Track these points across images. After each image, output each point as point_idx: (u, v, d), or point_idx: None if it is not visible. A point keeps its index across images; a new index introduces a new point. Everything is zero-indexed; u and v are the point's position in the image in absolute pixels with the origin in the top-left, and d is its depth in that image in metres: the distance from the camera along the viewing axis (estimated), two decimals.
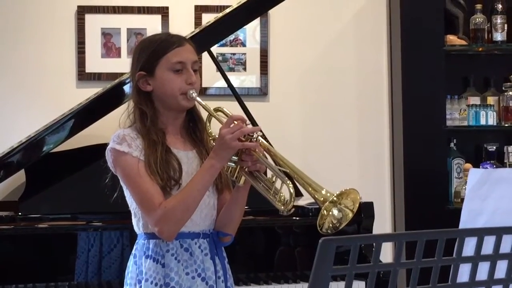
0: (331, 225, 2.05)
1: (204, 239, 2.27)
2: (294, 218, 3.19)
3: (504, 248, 1.35)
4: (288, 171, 2.13)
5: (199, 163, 2.28)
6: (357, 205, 2.06)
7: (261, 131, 2.25)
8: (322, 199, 2.03)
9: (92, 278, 3.01)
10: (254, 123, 3.30)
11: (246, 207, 2.34)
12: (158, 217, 2.16)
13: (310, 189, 2.07)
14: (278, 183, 2.18)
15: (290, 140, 4.04)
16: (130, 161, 2.20)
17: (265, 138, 2.30)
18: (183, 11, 4.00)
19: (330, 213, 2.05)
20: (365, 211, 3.24)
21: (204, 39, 3.27)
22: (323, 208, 2.02)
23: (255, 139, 2.18)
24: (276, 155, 2.17)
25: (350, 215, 2.06)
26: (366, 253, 3.07)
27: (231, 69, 4.04)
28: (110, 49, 3.95)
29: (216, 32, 3.43)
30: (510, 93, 4.11)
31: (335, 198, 2.03)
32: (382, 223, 4.04)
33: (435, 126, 4.01)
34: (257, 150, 2.17)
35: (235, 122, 2.18)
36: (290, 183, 2.16)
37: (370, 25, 4.20)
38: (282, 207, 2.16)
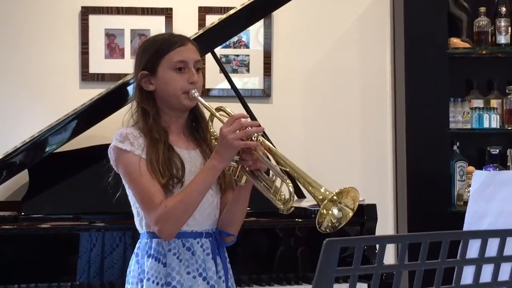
0: (330, 224, 2.05)
1: (206, 238, 2.27)
2: (296, 219, 3.19)
3: (508, 251, 1.34)
4: (288, 170, 2.12)
5: (202, 162, 2.28)
6: (357, 204, 2.04)
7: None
8: (321, 197, 2.03)
9: (94, 278, 3.01)
10: None
11: (248, 209, 2.33)
12: (158, 216, 2.17)
13: (309, 187, 2.06)
14: (278, 182, 2.18)
15: (293, 142, 4.04)
16: (132, 160, 2.20)
17: (267, 139, 2.30)
18: (187, 12, 4.00)
19: (330, 212, 2.04)
20: (368, 213, 3.23)
21: (207, 40, 3.27)
22: (322, 206, 2.01)
23: (255, 138, 2.17)
24: (276, 154, 2.17)
25: (350, 214, 2.04)
26: (369, 256, 3.06)
27: (234, 71, 4.04)
28: (113, 50, 3.95)
29: (219, 33, 3.43)
30: None
31: (334, 197, 2.02)
32: (385, 226, 4.04)
33: (438, 129, 4.01)
34: (257, 149, 2.17)
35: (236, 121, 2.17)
36: (290, 182, 2.15)
37: (374, 28, 4.20)
38: (282, 206, 2.16)
